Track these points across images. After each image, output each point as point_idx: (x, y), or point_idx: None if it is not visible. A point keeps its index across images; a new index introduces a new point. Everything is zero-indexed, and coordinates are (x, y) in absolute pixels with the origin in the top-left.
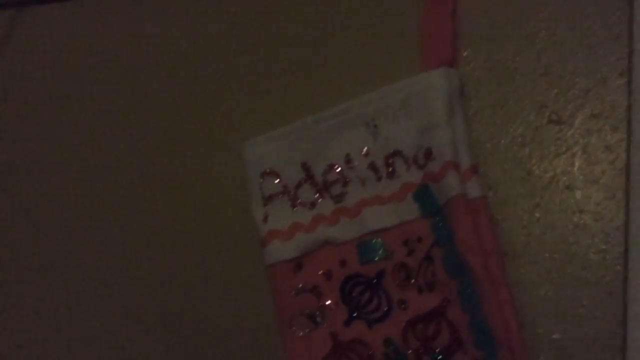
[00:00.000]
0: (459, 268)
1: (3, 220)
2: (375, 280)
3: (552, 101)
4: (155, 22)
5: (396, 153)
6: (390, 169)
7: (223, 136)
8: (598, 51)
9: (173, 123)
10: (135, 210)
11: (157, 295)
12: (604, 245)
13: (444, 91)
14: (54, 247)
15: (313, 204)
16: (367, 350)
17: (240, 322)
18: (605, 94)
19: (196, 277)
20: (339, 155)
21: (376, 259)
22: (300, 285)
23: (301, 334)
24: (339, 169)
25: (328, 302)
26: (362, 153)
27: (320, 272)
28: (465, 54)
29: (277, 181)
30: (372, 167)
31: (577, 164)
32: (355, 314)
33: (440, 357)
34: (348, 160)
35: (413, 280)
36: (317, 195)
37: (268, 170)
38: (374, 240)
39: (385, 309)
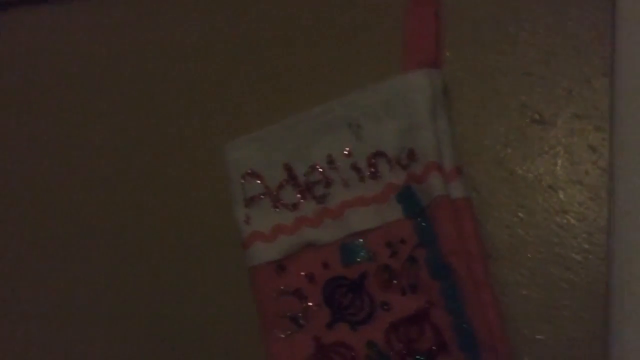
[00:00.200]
0: (442, 269)
1: None
2: (358, 282)
3: (534, 101)
4: (137, 25)
5: (379, 154)
6: (373, 170)
7: (204, 137)
8: (581, 51)
9: (154, 124)
10: (116, 211)
11: (138, 298)
12: (588, 246)
13: (427, 92)
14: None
15: (295, 206)
16: (350, 352)
17: (222, 325)
18: (588, 94)
19: (178, 280)
20: (321, 156)
21: (359, 260)
22: (283, 287)
23: (283, 336)
24: (321, 169)
25: (311, 305)
26: (345, 154)
27: (303, 274)
28: (448, 54)
29: (258, 182)
30: (355, 168)
31: (560, 164)
32: (338, 317)
33: (423, 359)
34: (330, 161)
35: (396, 282)
36: (300, 196)
37: (250, 171)
38: (356, 242)
39: (368, 311)
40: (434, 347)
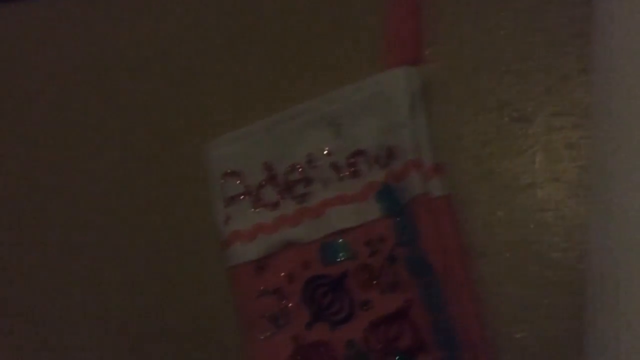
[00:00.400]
0: (422, 268)
1: None
2: (338, 282)
3: (513, 99)
4: (117, 25)
5: (359, 152)
6: (352, 169)
7: (185, 136)
8: (559, 48)
9: (133, 124)
10: (96, 211)
11: (117, 298)
12: (566, 244)
13: (406, 90)
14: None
15: (275, 205)
16: (329, 352)
17: (202, 325)
18: (567, 91)
19: (157, 280)
20: (301, 155)
21: (339, 260)
22: (263, 287)
23: (263, 337)
24: (301, 169)
25: (290, 305)
26: (325, 153)
27: (282, 274)
28: (427, 52)
29: (238, 182)
30: (335, 166)
31: (538, 161)
32: (317, 316)
33: (402, 358)
34: (310, 160)
35: (376, 281)
36: (280, 195)
37: (229, 170)
38: (336, 241)
39: (348, 311)
40: (413, 346)
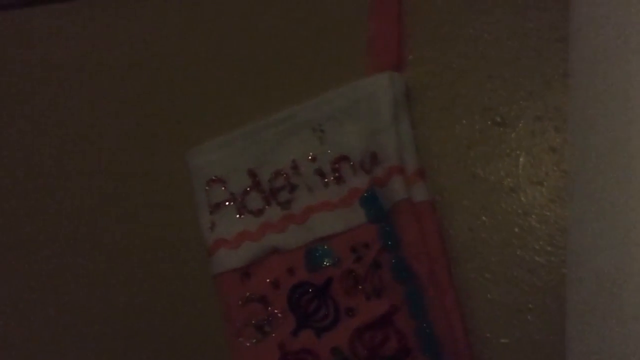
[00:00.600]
0: (406, 274)
1: None
2: (323, 288)
3: (496, 103)
4: (99, 30)
5: (343, 158)
6: (337, 174)
7: (168, 144)
8: (542, 53)
9: (116, 132)
10: (79, 219)
11: (102, 306)
12: (550, 248)
13: (389, 95)
14: None
15: (260, 211)
16: (315, 359)
17: (187, 333)
18: (549, 95)
19: (142, 288)
20: (285, 161)
21: (324, 266)
22: (248, 294)
23: (249, 344)
24: (286, 175)
25: (276, 312)
26: (309, 158)
27: (268, 281)
28: (410, 57)
29: (223, 188)
30: (319, 172)
31: (521, 166)
32: (303, 323)
33: None
34: (294, 166)
35: (361, 287)
36: (264, 202)
37: (214, 177)
38: (321, 247)
39: (333, 317)
40: (398, 353)
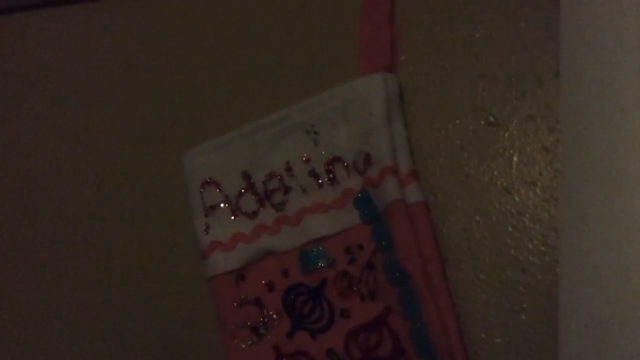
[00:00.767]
0: (400, 275)
1: None
2: (318, 290)
3: (489, 103)
4: (95, 33)
5: (336, 159)
6: (331, 176)
7: (162, 146)
8: (533, 52)
9: (111, 132)
10: (73, 222)
11: (96, 308)
12: (543, 248)
13: (382, 96)
14: None
15: (254, 214)
16: None
17: (182, 336)
18: (542, 94)
19: (137, 291)
20: (279, 163)
21: (318, 267)
22: (243, 296)
23: (244, 346)
24: (280, 177)
25: (271, 314)
26: (303, 160)
27: (262, 283)
28: (402, 58)
29: (217, 191)
30: (313, 174)
31: (515, 165)
32: (298, 325)
33: None
34: (288, 168)
35: (355, 289)
36: (259, 204)
37: (208, 179)
38: (315, 249)
39: (328, 319)
40: (392, 354)
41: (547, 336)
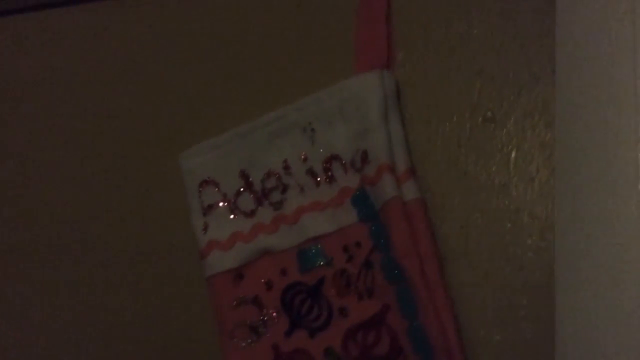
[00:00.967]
0: (397, 273)
1: None
2: (316, 288)
3: (486, 100)
4: (90, 36)
5: (334, 157)
6: (328, 174)
7: (159, 147)
8: (530, 48)
9: (109, 135)
10: (73, 222)
11: (95, 308)
12: (542, 244)
13: (379, 94)
14: None
15: (252, 213)
16: None
17: (180, 335)
18: (539, 91)
19: (134, 291)
20: (277, 162)
21: (316, 266)
22: (241, 296)
23: (243, 345)
24: (278, 175)
25: (270, 312)
26: (300, 159)
27: (261, 282)
28: (399, 56)
29: (216, 190)
30: (311, 172)
31: (512, 162)
32: (296, 324)
33: None
34: (286, 167)
35: (353, 287)
36: (256, 203)
37: (207, 179)
38: (313, 248)
39: (326, 318)
40: (390, 352)
41: (546, 333)
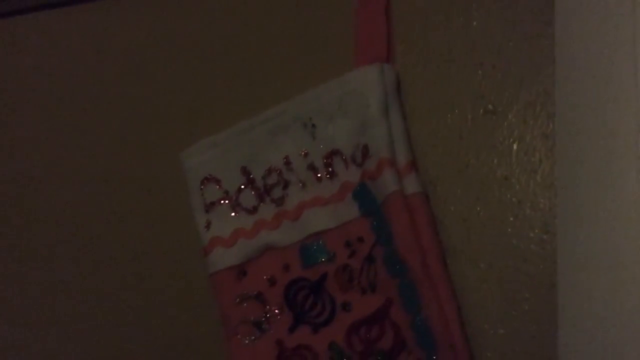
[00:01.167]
0: (400, 267)
1: None
2: (319, 284)
3: (487, 91)
4: (91, 34)
5: (335, 152)
6: (329, 169)
7: (161, 144)
8: (531, 39)
9: (111, 134)
10: (75, 220)
11: (99, 305)
12: (545, 236)
13: (379, 87)
14: None
15: (254, 209)
16: (312, 355)
17: (185, 331)
18: (540, 81)
19: (138, 289)
20: (278, 158)
21: (319, 261)
22: (244, 292)
23: (247, 341)
24: (279, 171)
25: (273, 309)
26: (301, 154)
27: (264, 278)
28: (400, 48)
29: (217, 187)
30: (312, 168)
31: (514, 153)
32: (300, 319)
33: (384, 359)
34: (287, 163)
35: (356, 282)
36: (258, 199)
37: (208, 176)
38: (316, 243)
39: (330, 313)
40: (394, 347)
41: (551, 325)
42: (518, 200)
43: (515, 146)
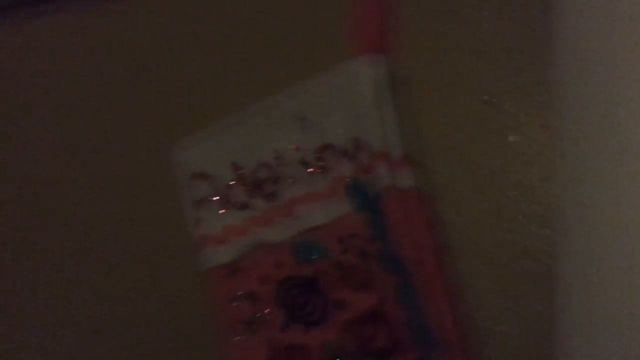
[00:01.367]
0: (394, 263)
1: None
2: (311, 281)
3: (483, 81)
4: (85, 31)
5: (327, 146)
6: (321, 164)
7: (150, 140)
8: (527, 26)
9: (100, 129)
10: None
11: (90, 303)
12: (542, 231)
13: (371, 79)
14: None
15: (245, 205)
16: (305, 355)
17: (178, 329)
18: (537, 69)
19: (131, 287)
20: (268, 153)
21: (312, 258)
22: (236, 290)
23: (239, 340)
24: (270, 166)
25: (265, 307)
26: (293, 148)
27: (256, 276)
28: (393, 39)
29: (207, 183)
30: (303, 162)
31: (512, 144)
32: (292, 318)
33: (378, 358)
34: (278, 157)
35: (349, 279)
36: (248, 195)
37: (197, 172)
38: (308, 239)
39: (323, 311)
40: (389, 344)
41: (549, 321)
42: (517, 193)
43: (512, 137)
